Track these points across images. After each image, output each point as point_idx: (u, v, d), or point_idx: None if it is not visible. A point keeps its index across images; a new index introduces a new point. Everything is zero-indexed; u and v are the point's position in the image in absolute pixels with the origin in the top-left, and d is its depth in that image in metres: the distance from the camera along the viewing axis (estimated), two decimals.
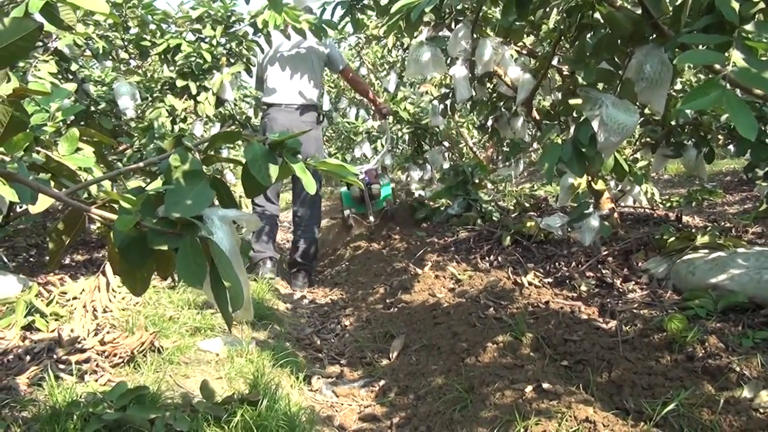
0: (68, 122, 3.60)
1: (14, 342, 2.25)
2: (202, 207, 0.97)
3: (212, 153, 1.08)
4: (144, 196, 0.95)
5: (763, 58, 3.23)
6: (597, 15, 2.02)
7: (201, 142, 1.04)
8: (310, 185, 1.09)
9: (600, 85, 2.06)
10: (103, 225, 1.04)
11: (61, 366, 2.11)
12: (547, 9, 2.70)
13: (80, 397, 1.83)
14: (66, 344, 2.24)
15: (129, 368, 2.19)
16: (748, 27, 1.49)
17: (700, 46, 1.58)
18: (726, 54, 1.38)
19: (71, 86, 2.04)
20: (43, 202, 1.22)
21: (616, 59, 1.92)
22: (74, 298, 2.72)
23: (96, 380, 2.06)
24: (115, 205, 1.02)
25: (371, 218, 4.83)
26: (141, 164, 1.08)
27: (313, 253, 4.32)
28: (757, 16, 1.59)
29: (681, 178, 6.99)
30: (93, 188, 2.50)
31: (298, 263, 4.22)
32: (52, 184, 1.29)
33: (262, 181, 1.05)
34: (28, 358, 2.16)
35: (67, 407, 1.72)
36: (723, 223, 3.75)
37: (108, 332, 2.41)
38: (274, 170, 1.07)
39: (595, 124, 1.84)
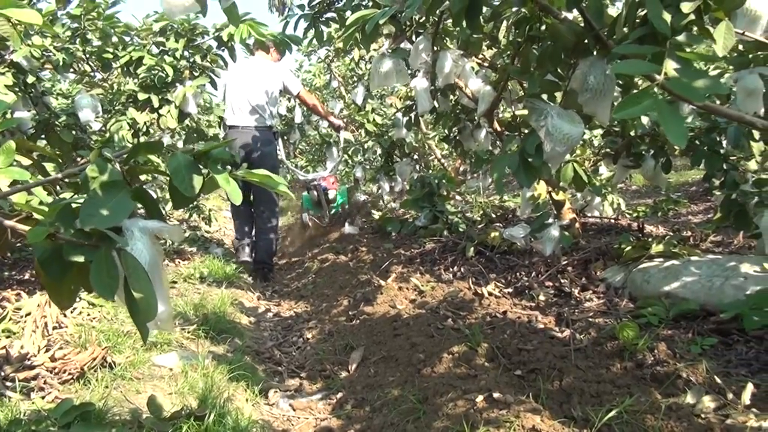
0: (28, 135, 3.56)
1: None
2: (119, 218, 0.96)
3: (136, 164, 1.07)
4: (59, 207, 0.94)
5: (717, 71, 3.27)
6: (544, 27, 2.03)
7: (122, 153, 1.03)
8: (235, 195, 1.08)
9: (557, 96, 2.08)
10: (24, 238, 1.02)
11: (8, 384, 2.07)
12: (498, 21, 2.72)
13: (23, 415, 1.80)
14: (15, 361, 2.20)
15: (79, 385, 2.15)
16: (680, 38, 1.52)
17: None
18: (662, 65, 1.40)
19: (11, 98, 2.00)
20: None
21: (559, 71, 1.94)
22: (28, 314, 2.67)
23: (43, 397, 2.02)
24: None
25: (326, 219, 5.74)
26: (59, 175, 1.06)
27: (274, 251, 4.94)
28: (693, 27, 1.62)
29: (648, 188, 7.07)
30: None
31: (263, 262, 4.77)
32: None
33: (185, 192, 1.04)
34: None
35: (8, 425, 1.69)
36: (683, 232, 3.80)
37: (60, 348, 2.37)
38: (198, 181, 1.06)
39: (541, 135, 1.86)
